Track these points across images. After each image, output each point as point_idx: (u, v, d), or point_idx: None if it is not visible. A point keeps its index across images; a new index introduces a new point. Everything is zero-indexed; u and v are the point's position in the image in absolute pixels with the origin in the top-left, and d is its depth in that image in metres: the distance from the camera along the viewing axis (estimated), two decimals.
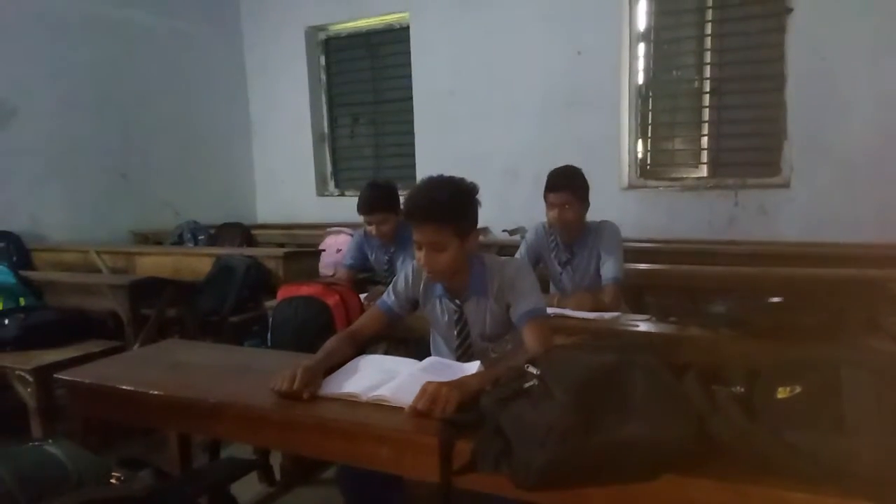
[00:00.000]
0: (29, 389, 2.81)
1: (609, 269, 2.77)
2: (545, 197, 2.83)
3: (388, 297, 2.07)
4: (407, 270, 2.10)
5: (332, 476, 2.87)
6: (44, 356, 2.90)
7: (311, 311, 2.57)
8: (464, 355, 2.05)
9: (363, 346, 2.03)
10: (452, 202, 1.85)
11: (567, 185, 2.77)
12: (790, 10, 4.13)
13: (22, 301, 3.37)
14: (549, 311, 2.29)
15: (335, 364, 1.79)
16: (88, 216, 4.86)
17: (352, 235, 3.50)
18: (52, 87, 4.64)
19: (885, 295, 2.47)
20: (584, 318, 2.47)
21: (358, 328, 2.03)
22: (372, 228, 3.11)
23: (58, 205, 4.70)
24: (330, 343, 1.88)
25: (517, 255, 2.97)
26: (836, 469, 1.08)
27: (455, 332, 2.06)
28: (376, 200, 3.04)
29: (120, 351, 2.94)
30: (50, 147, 4.63)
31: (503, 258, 2.06)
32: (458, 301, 2.03)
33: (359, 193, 3.11)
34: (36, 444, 1.50)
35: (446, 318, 2.07)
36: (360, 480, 1.87)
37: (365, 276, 3.37)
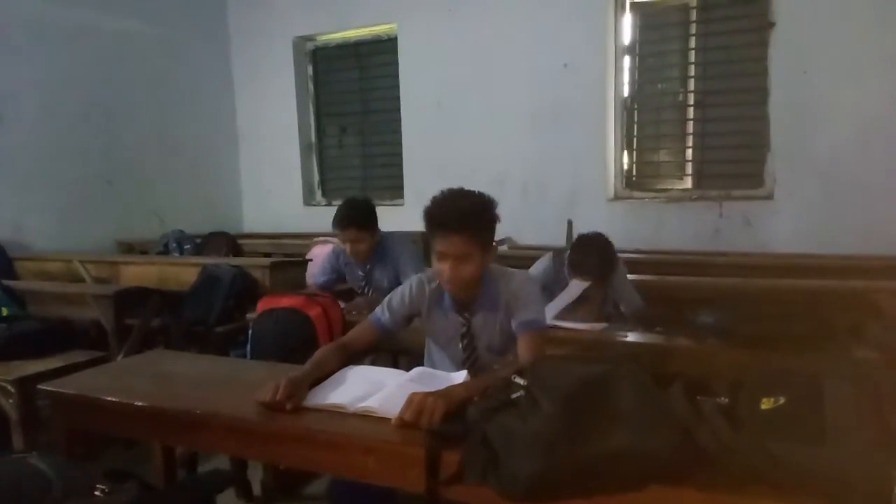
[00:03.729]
0: (11, 400, 2.78)
1: (633, 306, 2.83)
2: (572, 273, 2.70)
3: (383, 313, 2.04)
4: (405, 289, 2.07)
5: (313, 492, 2.84)
6: (26, 366, 2.86)
7: (292, 322, 2.53)
8: (471, 368, 2.02)
9: (352, 358, 2.01)
10: (480, 213, 1.87)
11: (599, 273, 2.64)
12: (772, 25, 4.19)
13: (4, 311, 3.32)
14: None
15: (323, 375, 1.78)
16: (73, 225, 4.81)
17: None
18: (37, 93, 4.61)
19: (869, 306, 2.50)
20: (573, 329, 2.48)
21: (348, 341, 2.01)
22: (346, 246, 3.08)
23: (41, 213, 4.65)
24: (318, 354, 1.87)
25: None
26: (818, 479, 1.09)
27: (461, 346, 2.05)
28: (351, 218, 3.00)
29: (104, 361, 2.92)
30: (34, 155, 4.59)
31: (511, 270, 2.04)
32: (466, 314, 2.02)
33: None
34: (19, 455, 1.49)
35: (452, 331, 2.05)
36: (353, 495, 1.86)
37: (342, 288, 3.34)
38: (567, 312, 2.67)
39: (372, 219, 3.06)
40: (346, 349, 1.96)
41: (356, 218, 3.02)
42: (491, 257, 1.95)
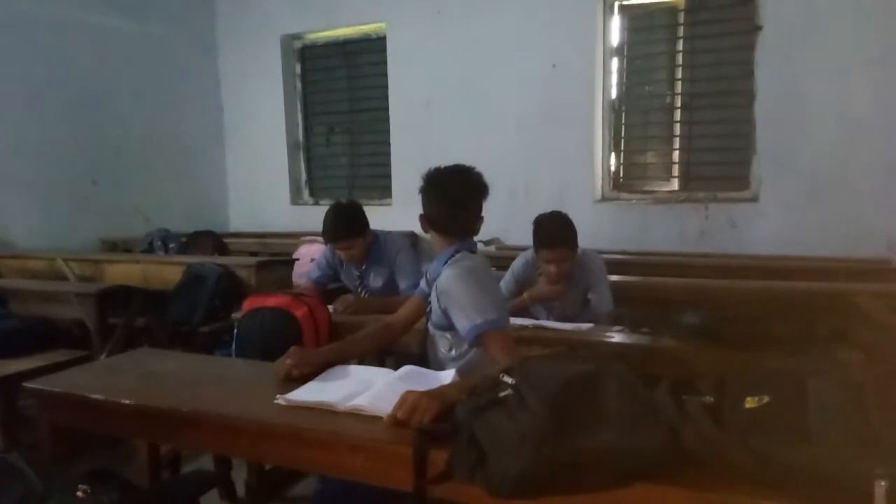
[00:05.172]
0: None
1: (603, 302, 2.85)
2: (537, 249, 2.81)
3: (424, 285, 2.18)
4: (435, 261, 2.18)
5: (298, 493, 2.82)
6: (8, 366, 2.84)
7: (277, 322, 2.51)
8: (427, 335, 2.13)
9: (397, 337, 2.16)
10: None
11: (563, 241, 2.75)
12: (759, 28, 4.23)
13: None
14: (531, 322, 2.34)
15: (355, 352, 1.95)
16: (56, 222, 4.77)
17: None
18: (22, 91, 4.56)
19: (852, 308, 2.52)
20: (560, 330, 2.49)
21: (393, 320, 2.16)
22: (341, 253, 3.07)
23: (25, 211, 4.60)
24: (360, 332, 2.02)
25: (503, 281, 2.96)
26: (802, 477, 1.10)
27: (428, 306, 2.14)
28: (339, 229, 2.98)
29: (87, 360, 2.89)
30: (18, 152, 4.54)
31: (455, 266, 1.99)
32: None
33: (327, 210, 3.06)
34: (0, 455, 1.47)
35: None
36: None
37: (336, 286, 3.33)
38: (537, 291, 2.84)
39: (359, 224, 3.02)
40: (389, 329, 2.13)
41: (342, 230, 2.98)
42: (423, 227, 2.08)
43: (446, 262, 2.01)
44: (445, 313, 1.96)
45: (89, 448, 2.83)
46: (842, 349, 2.06)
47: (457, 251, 2.02)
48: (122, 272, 3.97)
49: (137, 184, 5.36)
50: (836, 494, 1.08)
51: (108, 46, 5.14)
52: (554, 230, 2.76)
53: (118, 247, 5.03)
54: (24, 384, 1.91)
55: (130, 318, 3.41)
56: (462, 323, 1.88)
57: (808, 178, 4.12)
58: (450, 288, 1.93)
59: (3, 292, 3.54)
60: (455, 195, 2.02)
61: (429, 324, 2.09)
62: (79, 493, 1.40)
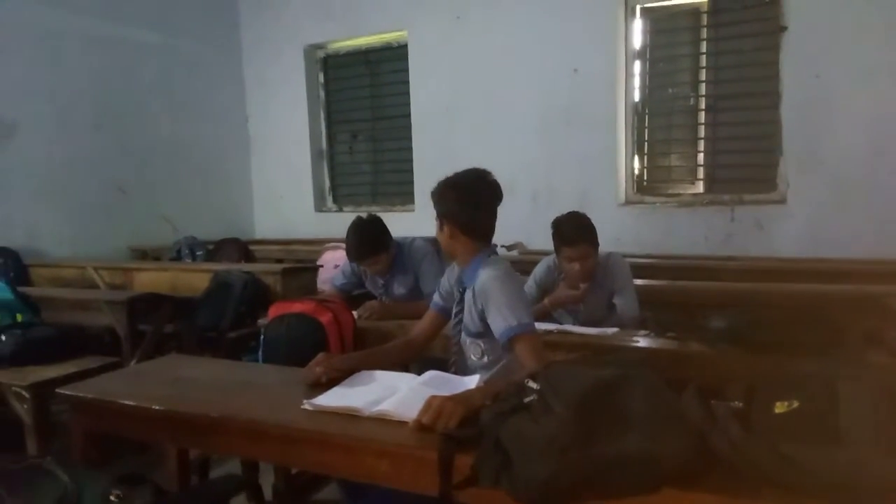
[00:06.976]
0: (25, 406, 2.80)
1: (628, 306, 2.82)
2: (558, 250, 2.80)
3: (438, 298, 2.19)
4: (444, 275, 2.22)
5: (324, 497, 2.84)
6: (40, 372, 2.89)
7: (303, 328, 2.52)
8: (455, 343, 2.13)
9: (419, 352, 2.20)
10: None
11: (583, 237, 2.74)
12: (784, 29, 4.18)
13: (19, 317, 3.35)
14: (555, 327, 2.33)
15: (377, 364, 1.93)
16: (86, 232, 4.86)
17: None
18: (51, 103, 4.67)
19: (883, 310, 2.47)
20: (585, 334, 2.48)
21: (413, 335, 2.18)
22: (365, 268, 3.09)
23: (55, 220, 4.71)
24: (383, 346, 2.06)
25: (525, 286, 2.95)
26: (831, 483, 1.08)
27: (454, 315, 2.14)
28: (362, 248, 2.99)
29: (117, 367, 2.93)
30: (48, 163, 4.65)
31: (490, 268, 2.00)
32: (464, 287, 2.08)
33: (354, 217, 3.06)
34: (34, 460, 1.50)
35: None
36: None
37: (360, 292, 3.35)
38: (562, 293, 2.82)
39: (381, 242, 3.02)
40: (410, 345, 2.15)
41: (365, 249, 2.99)
42: (447, 233, 2.03)
43: (480, 266, 2.01)
44: (481, 315, 1.97)
45: (120, 453, 2.87)
46: (872, 352, 2.03)
47: (488, 255, 2.04)
48: (151, 280, 4.03)
49: (165, 193, 5.46)
50: (868, 500, 1.06)
51: (135, 59, 5.24)
52: (573, 227, 2.75)
53: (147, 255, 5.12)
54: (57, 390, 1.95)
55: (159, 324, 3.46)
56: (497, 324, 1.89)
57: (837, 179, 4.06)
58: (489, 288, 1.93)
59: (36, 301, 3.60)
60: (485, 197, 2.04)
61: (461, 331, 2.09)
62: (112, 498, 1.43)
